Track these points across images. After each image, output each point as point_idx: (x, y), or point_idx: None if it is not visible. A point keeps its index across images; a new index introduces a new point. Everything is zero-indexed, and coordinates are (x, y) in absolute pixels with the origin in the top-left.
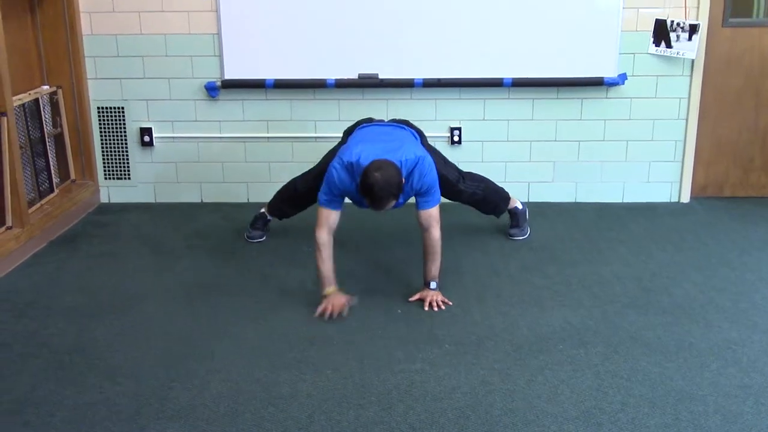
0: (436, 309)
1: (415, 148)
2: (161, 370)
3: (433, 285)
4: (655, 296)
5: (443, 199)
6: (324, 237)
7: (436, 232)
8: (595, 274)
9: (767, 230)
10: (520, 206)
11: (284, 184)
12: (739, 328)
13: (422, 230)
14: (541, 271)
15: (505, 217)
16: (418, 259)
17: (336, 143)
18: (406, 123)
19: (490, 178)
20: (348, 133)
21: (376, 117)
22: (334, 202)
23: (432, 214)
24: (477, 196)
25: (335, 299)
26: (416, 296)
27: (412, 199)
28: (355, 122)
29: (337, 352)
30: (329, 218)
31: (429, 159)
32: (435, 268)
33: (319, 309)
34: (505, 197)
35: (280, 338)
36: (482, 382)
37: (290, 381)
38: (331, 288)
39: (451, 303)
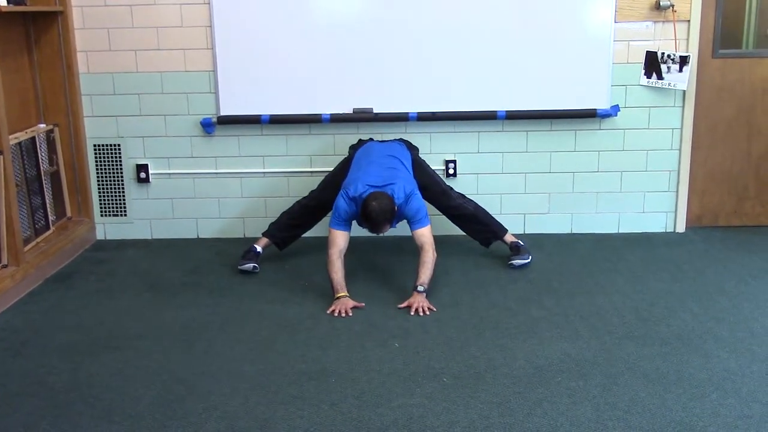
0: (421, 314)
1: (406, 183)
2: (158, 409)
3: (420, 288)
4: (653, 327)
5: (449, 230)
6: (335, 254)
7: (429, 249)
8: (593, 305)
9: (763, 259)
10: (521, 243)
11: (283, 211)
12: (737, 357)
13: (418, 249)
14: (539, 302)
15: (503, 249)
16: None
17: (340, 161)
18: (403, 142)
19: (487, 211)
20: (353, 148)
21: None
22: (343, 224)
23: (424, 234)
24: (466, 210)
25: (344, 302)
26: (405, 303)
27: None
28: (358, 141)
29: (335, 388)
30: (340, 239)
31: (417, 194)
32: (425, 275)
33: (330, 309)
34: (499, 225)
35: (278, 374)
36: (481, 416)
37: (288, 417)
38: (342, 293)
39: (435, 309)
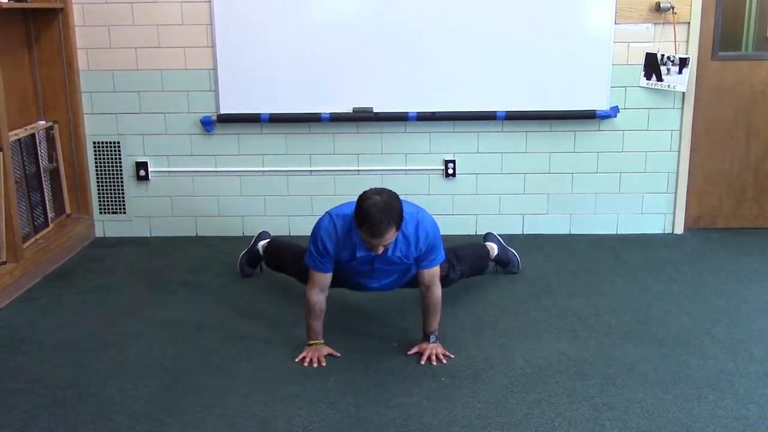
0: (435, 363)
1: (410, 206)
2: (156, 407)
3: (432, 338)
4: (651, 327)
5: (443, 231)
6: (314, 297)
7: (437, 290)
8: (591, 306)
9: (761, 261)
10: (496, 250)
11: (284, 246)
12: (735, 359)
13: (423, 288)
14: (537, 302)
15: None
16: (414, 299)
17: None
18: None
19: (485, 210)
20: None
21: (370, 152)
22: (322, 264)
23: (435, 273)
24: (465, 275)
25: (318, 349)
26: (414, 349)
27: None
28: None
29: (333, 386)
30: (320, 280)
31: (428, 214)
32: (435, 321)
33: (300, 357)
34: (486, 256)
35: (276, 373)
36: (478, 416)
37: (286, 416)
38: (315, 340)
39: (452, 356)
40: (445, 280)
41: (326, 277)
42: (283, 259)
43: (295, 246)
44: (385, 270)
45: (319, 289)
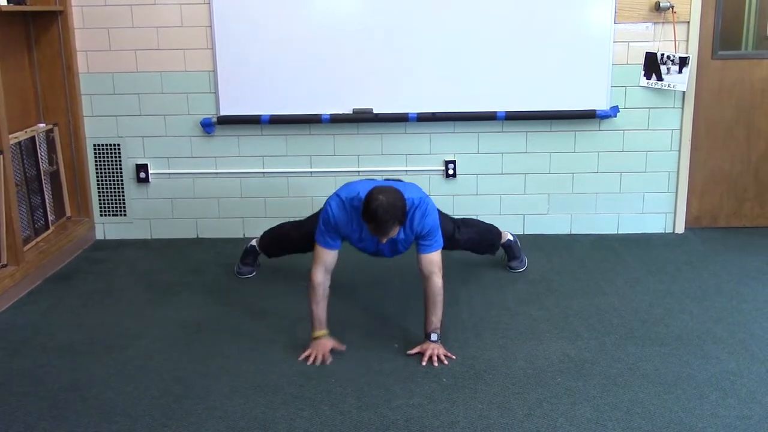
0: (436, 364)
1: (413, 190)
2: (157, 409)
3: (434, 337)
4: (653, 327)
5: None
6: (319, 277)
7: (438, 280)
8: (592, 306)
9: (762, 260)
10: (511, 237)
11: (277, 225)
12: (737, 358)
13: (423, 278)
14: (538, 303)
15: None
16: (416, 300)
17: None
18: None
19: (486, 211)
20: None
21: (371, 153)
22: (331, 240)
23: (433, 260)
24: (473, 241)
25: (323, 344)
26: (416, 349)
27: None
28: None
29: (335, 388)
30: (326, 258)
31: (430, 201)
32: (437, 319)
33: (304, 354)
34: (497, 234)
35: (277, 375)
36: (480, 417)
37: (287, 418)
38: (321, 331)
39: (454, 357)
40: (450, 241)
41: (332, 255)
42: (281, 234)
43: (289, 222)
44: (391, 248)
45: (325, 269)
